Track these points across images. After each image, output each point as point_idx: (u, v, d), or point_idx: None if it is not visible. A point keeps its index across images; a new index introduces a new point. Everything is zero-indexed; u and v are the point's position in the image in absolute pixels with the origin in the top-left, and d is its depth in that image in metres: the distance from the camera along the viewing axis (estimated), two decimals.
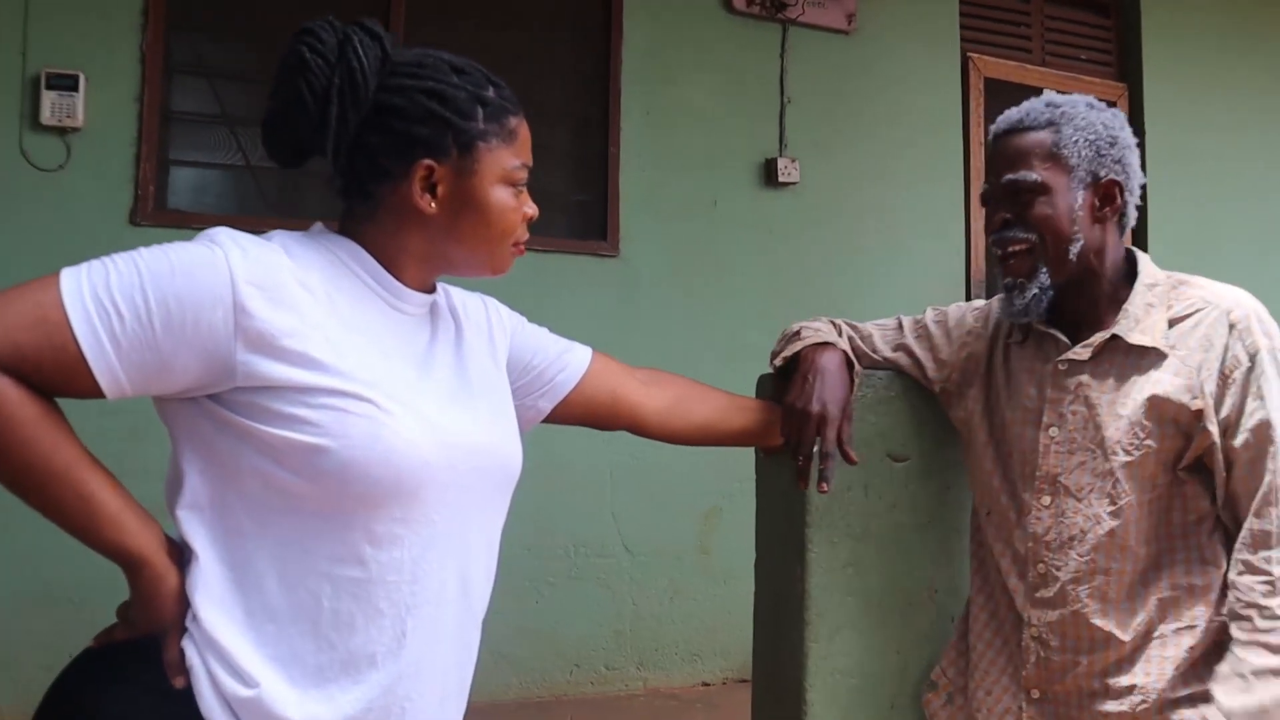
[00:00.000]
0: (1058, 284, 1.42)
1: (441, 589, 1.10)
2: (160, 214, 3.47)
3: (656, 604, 3.87)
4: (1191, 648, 1.36)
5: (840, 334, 1.62)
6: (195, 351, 0.98)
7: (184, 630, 1.02)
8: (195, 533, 1.03)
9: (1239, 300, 1.38)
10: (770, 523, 1.71)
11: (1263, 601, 1.28)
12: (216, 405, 1.02)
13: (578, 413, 1.39)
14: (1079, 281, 1.43)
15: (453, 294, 1.29)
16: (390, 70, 1.11)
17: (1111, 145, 1.41)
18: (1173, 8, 5.03)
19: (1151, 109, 4.98)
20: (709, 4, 4.19)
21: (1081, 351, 1.42)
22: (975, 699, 1.53)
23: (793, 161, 4.20)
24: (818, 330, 1.56)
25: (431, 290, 1.20)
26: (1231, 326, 1.35)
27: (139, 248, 1.01)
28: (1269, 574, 1.28)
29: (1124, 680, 1.38)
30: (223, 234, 1.03)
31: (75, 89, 3.36)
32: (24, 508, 0.98)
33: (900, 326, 1.66)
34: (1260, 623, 1.27)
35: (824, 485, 1.43)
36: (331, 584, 1.03)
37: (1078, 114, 1.41)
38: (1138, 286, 1.42)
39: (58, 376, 0.95)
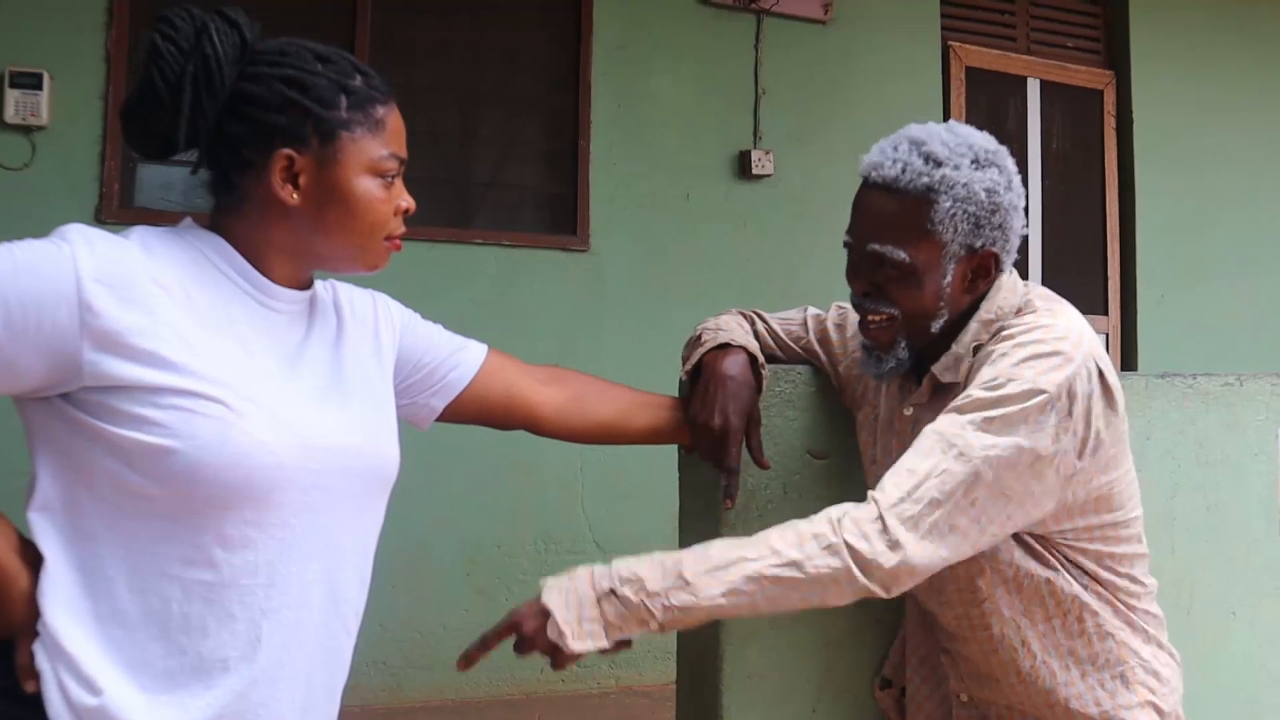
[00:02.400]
0: (918, 350, 1.34)
1: (304, 593, 1.08)
2: (126, 211, 3.47)
3: None
4: (1096, 667, 1.33)
5: (752, 326, 1.57)
6: (39, 351, 0.96)
7: (36, 634, 1.00)
8: (45, 535, 1.01)
9: (1044, 335, 1.23)
10: (690, 521, 1.68)
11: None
12: (68, 405, 1.00)
13: (472, 411, 1.36)
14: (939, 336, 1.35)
15: (339, 290, 1.27)
16: (251, 59, 1.09)
17: (993, 213, 1.26)
18: None
19: (1140, 96, 4.93)
20: None
21: (919, 396, 1.37)
22: (912, 696, 1.50)
23: (767, 154, 4.16)
24: (719, 330, 1.48)
25: (307, 286, 1.17)
26: (1000, 343, 1.25)
27: None
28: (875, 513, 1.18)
29: (1040, 703, 1.34)
30: (73, 230, 1.02)
31: (39, 87, 3.37)
32: None
33: (805, 324, 1.61)
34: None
35: (727, 501, 1.40)
36: (182, 587, 1.01)
37: (959, 180, 1.24)
38: (970, 325, 1.31)
39: None
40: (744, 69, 4.22)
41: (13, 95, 3.33)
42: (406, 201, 1.16)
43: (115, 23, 3.47)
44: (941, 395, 1.33)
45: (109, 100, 3.45)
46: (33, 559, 1.01)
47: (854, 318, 1.54)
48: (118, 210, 3.45)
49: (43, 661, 0.99)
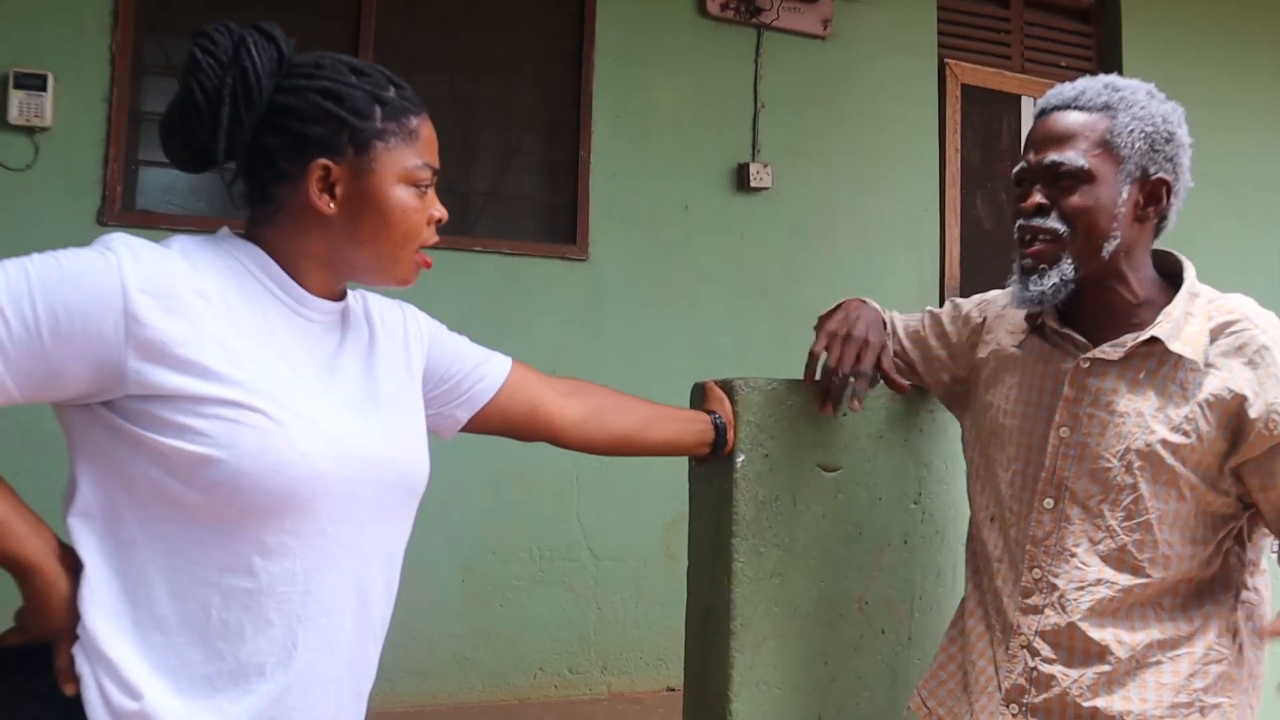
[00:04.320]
0: (1081, 278, 1.32)
1: (336, 600, 1.10)
2: (128, 214, 3.47)
3: (621, 608, 3.87)
4: (1191, 675, 1.28)
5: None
6: (85, 360, 0.98)
7: (76, 638, 1.01)
8: (85, 541, 1.02)
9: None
10: (700, 532, 1.71)
11: None
12: (110, 413, 1.02)
13: (496, 422, 1.39)
14: (1100, 282, 1.34)
15: (370, 300, 1.29)
16: (287, 72, 1.12)
17: (1167, 141, 1.31)
18: (1153, 15, 5.04)
19: None
20: (682, 8, 4.19)
21: (1111, 351, 1.32)
22: (982, 711, 1.42)
23: (765, 167, 4.20)
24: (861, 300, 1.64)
25: (340, 297, 1.19)
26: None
27: (33, 253, 1.01)
28: None
29: (1117, 704, 1.28)
30: (118, 240, 1.03)
31: (44, 89, 3.36)
32: None
33: (922, 320, 1.64)
34: None
35: (856, 403, 1.51)
36: (221, 594, 1.03)
37: (1137, 101, 1.30)
38: (1182, 293, 1.32)
39: None
40: (743, 82, 4.26)
41: (17, 96, 3.33)
42: (439, 211, 1.18)
43: (120, 25, 3.48)
44: (1144, 360, 1.31)
45: (113, 102, 3.46)
46: (72, 564, 1.02)
47: (969, 308, 1.58)
48: (120, 213, 3.45)
49: (82, 665, 1.00)
